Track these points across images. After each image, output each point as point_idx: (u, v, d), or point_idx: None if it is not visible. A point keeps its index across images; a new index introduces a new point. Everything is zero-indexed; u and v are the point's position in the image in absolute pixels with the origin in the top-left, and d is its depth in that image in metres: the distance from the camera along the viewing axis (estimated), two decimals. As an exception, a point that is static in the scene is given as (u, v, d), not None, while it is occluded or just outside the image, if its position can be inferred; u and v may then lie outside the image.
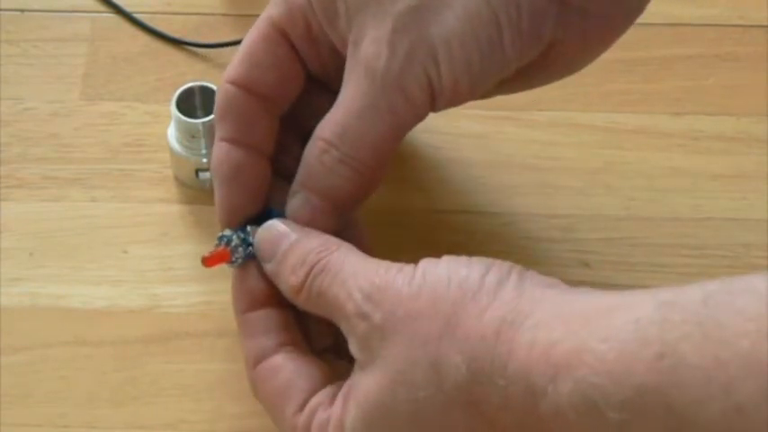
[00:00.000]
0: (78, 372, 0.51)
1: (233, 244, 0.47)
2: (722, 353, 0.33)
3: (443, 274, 0.41)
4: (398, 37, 0.44)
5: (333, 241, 0.45)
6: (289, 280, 0.45)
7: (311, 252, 0.44)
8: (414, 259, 0.43)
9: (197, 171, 0.55)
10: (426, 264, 0.42)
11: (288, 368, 0.45)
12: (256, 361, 0.46)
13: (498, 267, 0.41)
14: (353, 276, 0.43)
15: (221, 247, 0.47)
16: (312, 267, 0.44)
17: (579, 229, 0.55)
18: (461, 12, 0.44)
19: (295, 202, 0.47)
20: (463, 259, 0.42)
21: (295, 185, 0.47)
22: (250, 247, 0.47)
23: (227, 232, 0.47)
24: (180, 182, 0.56)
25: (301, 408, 0.44)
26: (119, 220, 0.55)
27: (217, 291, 0.52)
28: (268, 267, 0.46)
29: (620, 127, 0.59)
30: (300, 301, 0.45)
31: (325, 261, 0.44)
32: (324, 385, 0.45)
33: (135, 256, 0.54)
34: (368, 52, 0.44)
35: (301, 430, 0.44)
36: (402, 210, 0.56)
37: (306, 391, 0.44)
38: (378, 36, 0.44)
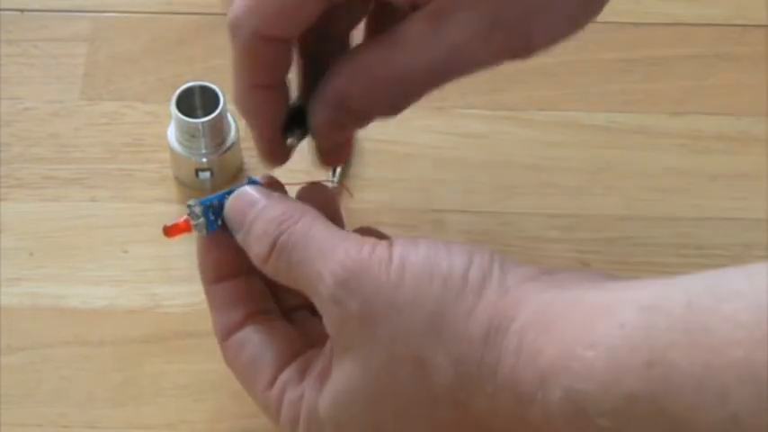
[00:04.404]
0: (78, 372, 0.51)
1: (195, 213, 0.45)
2: (713, 360, 0.33)
3: (424, 264, 0.40)
4: None
5: (296, 209, 0.44)
6: (254, 251, 0.44)
7: (272, 222, 0.43)
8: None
9: (197, 171, 0.55)
10: (403, 248, 0.41)
11: (254, 341, 0.45)
12: (225, 335, 0.46)
13: (480, 259, 0.40)
14: (321, 256, 0.42)
15: (183, 218, 0.46)
16: (275, 240, 0.43)
17: (579, 228, 0.55)
18: None
19: None
20: (442, 247, 0.41)
21: None
22: (220, 218, 0.46)
23: (191, 202, 0.46)
24: (180, 182, 0.56)
25: (271, 384, 0.44)
26: (119, 220, 0.55)
27: (217, 291, 0.52)
28: (239, 238, 0.45)
29: (620, 127, 0.59)
30: (269, 273, 0.44)
31: (288, 234, 0.43)
32: (293, 356, 0.44)
33: (135, 255, 0.54)
34: None
35: (274, 407, 0.44)
36: (402, 210, 0.56)
37: (274, 366, 0.44)
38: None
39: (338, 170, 0.56)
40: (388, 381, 0.40)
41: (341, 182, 0.55)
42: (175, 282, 0.54)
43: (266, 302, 0.47)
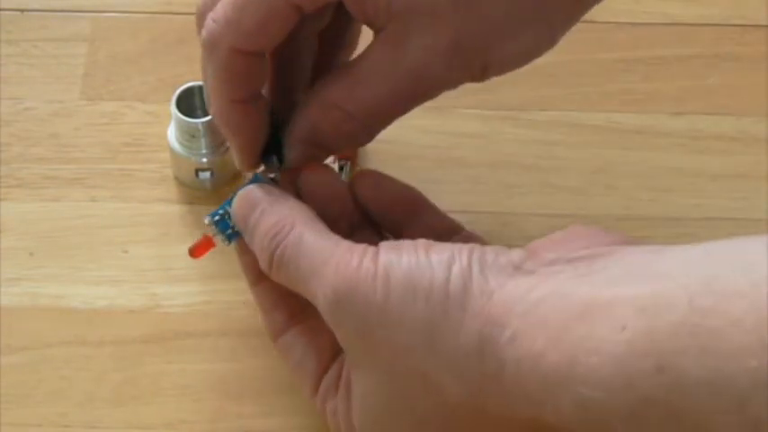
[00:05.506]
0: (78, 372, 0.51)
1: (213, 229, 0.46)
2: (726, 366, 0.32)
3: (406, 276, 0.39)
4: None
5: (289, 216, 0.43)
6: (260, 261, 0.44)
7: (267, 234, 0.43)
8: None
9: (197, 171, 0.55)
10: (387, 257, 0.40)
11: (298, 346, 0.46)
12: (273, 337, 0.47)
13: (458, 266, 0.39)
14: (313, 274, 0.41)
15: (203, 236, 0.47)
16: (272, 255, 0.43)
17: (579, 229, 0.55)
18: None
19: None
20: (422, 256, 0.40)
21: None
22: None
23: (206, 220, 0.46)
24: (180, 182, 0.56)
25: (315, 392, 0.45)
26: (119, 220, 0.55)
27: (217, 290, 0.52)
28: (247, 242, 0.45)
29: (620, 127, 0.59)
30: (277, 282, 0.44)
31: (281, 249, 0.43)
32: (333, 358, 0.45)
33: (135, 255, 0.54)
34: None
35: (322, 414, 0.45)
36: (402, 210, 0.56)
37: (315, 374, 0.45)
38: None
39: (346, 169, 0.56)
40: (400, 396, 0.41)
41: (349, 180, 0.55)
42: (175, 282, 0.54)
43: None
